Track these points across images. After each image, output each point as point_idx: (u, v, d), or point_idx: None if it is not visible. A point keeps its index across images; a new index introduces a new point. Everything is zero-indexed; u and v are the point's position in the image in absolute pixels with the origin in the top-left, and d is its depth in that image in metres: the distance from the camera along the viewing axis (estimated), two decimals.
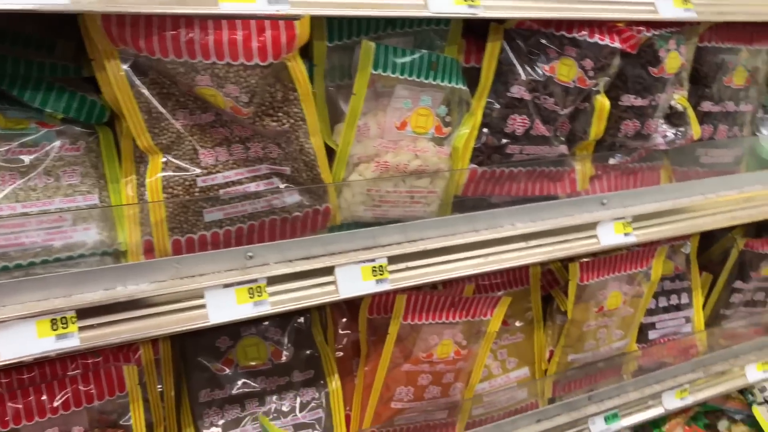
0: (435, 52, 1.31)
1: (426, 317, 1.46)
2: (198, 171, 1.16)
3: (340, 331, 1.56)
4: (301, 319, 1.52)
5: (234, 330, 1.45)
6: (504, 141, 1.40)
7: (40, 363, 1.22)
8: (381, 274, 1.30)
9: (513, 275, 1.73)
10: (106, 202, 1.16)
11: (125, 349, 1.30)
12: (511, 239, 1.45)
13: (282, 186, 1.24)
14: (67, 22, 1.23)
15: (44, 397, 1.17)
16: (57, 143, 1.13)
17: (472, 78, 1.39)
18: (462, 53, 1.40)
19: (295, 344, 1.49)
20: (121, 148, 1.18)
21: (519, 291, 1.74)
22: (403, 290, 1.41)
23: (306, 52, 1.31)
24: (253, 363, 1.44)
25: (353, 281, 1.28)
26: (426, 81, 1.28)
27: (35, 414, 1.15)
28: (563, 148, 1.49)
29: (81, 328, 1.07)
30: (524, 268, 1.75)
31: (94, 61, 1.12)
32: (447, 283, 1.59)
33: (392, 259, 1.32)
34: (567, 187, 1.56)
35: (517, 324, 1.74)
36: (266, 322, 1.48)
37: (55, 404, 1.17)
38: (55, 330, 1.05)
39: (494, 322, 1.55)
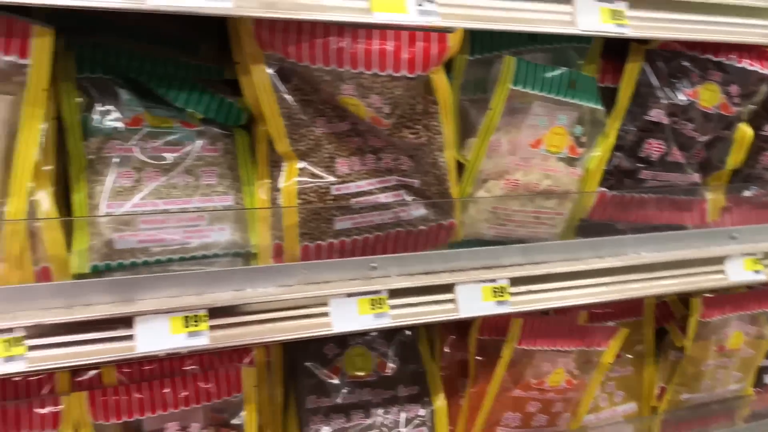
0: (573, 69, 1.27)
1: (541, 343, 1.41)
2: (332, 179, 1.16)
3: (448, 349, 1.53)
4: (408, 333, 1.50)
5: (341, 338, 1.44)
6: (637, 165, 1.34)
7: (163, 358, 1.24)
8: (502, 296, 1.26)
9: (627, 305, 1.65)
10: (240, 204, 1.17)
11: (241, 350, 1.31)
12: (636, 268, 1.38)
13: (409, 198, 1.23)
14: (211, 24, 1.27)
15: (166, 391, 1.19)
16: (198, 143, 1.15)
17: (606, 98, 1.34)
18: (599, 72, 1.35)
19: (401, 358, 1.47)
20: (257, 152, 1.19)
21: (631, 322, 1.66)
22: (519, 314, 1.37)
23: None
24: (359, 373, 1.43)
25: (473, 301, 1.25)
26: (564, 99, 1.24)
27: (159, 406, 1.17)
28: (696, 177, 1.42)
29: (212, 327, 1.08)
30: (639, 299, 1.67)
31: (239, 65, 1.13)
32: (559, 309, 1.54)
33: (514, 281, 1.28)
34: (696, 217, 1.48)
35: (628, 356, 1.67)
36: (374, 333, 1.47)
37: (176, 399, 1.19)
38: (187, 327, 1.07)
39: (609, 354, 1.48)
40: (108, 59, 1.11)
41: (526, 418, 1.45)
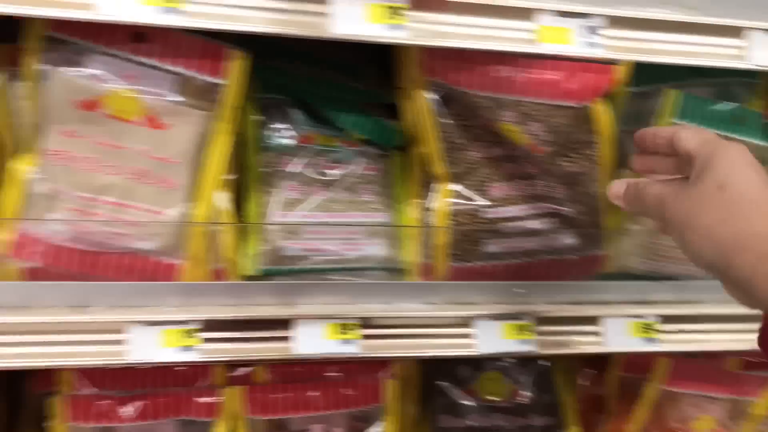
0: (740, 105, 1.22)
1: (688, 386, 1.35)
2: (484, 203, 1.18)
3: (585, 383, 1.50)
4: (545, 362, 1.48)
5: (477, 361, 1.46)
6: None
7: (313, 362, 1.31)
8: (650, 333, 1.23)
9: None
10: (394, 221, 1.23)
11: (381, 362, 1.36)
12: None
13: (559, 226, 1.23)
14: (372, 50, 1.34)
15: (313, 394, 1.25)
16: (359, 162, 1.22)
17: None
18: (765, 109, 1.29)
19: (537, 387, 1.45)
20: (412, 173, 1.24)
21: None
22: (669, 354, 1.32)
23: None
24: (493, 398, 1.43)
25: (620, 335, 1.23)
26: (729, 135, 1.19)
27: (305, 407, 1.24)
28: None
29: (363, 336, 1.14)
30: None
31: (401, 89, 1.19)
32: (709, 353, 1.46)
33: (664, 318, 1.24)
34: None
35: None
36: (509, 359, 1.47)
37: (322, 402, 1.25)
38: (340, 334, 1.13)
39: (762, 405, 1.39)
40: (284, 82, 1.21)
41: None
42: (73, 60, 0.98)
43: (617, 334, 1.22)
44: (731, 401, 1.37)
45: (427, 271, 1.22)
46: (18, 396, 1.29)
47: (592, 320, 1.22)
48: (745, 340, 1.27)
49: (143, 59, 1.01)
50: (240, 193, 1.20)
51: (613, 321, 1.23)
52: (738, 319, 1.27)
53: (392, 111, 1.26)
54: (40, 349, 1.04)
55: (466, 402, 1.42)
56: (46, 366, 1.05)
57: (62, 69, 0.98)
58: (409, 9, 0.99)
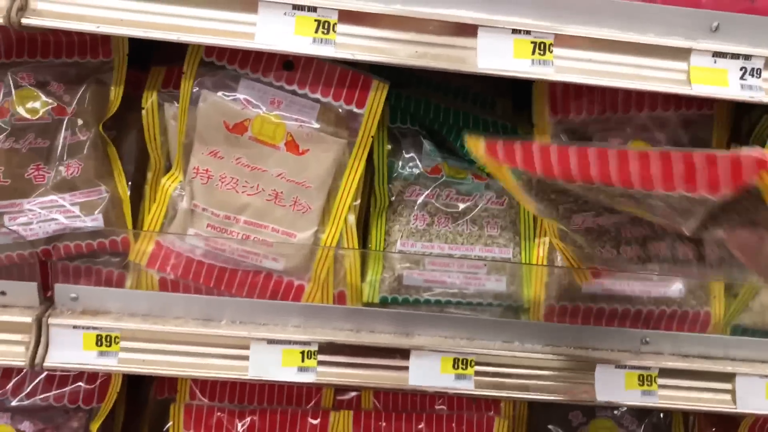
0: None
1: None
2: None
3: None
4: (662, 416, 1.40)
5: (588, 407, 1.40)
6: None
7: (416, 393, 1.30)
8: None
9: None
10: (518, 258, 1.20)
11: (491, 400, 1.33)
12: None
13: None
14: (508, 83, 1.33)
15: (422, 427, 1.24)
16: (486, 195, 1.21)
17: None
18: None
19: None
20: None
21: None
22: None
23: (743, 135, 1.23)
24: None
25: (755, 396, 1.14)
26: None
27: None
28: None
29: (477, 373, 1.11)
30: None
31: (536, 126, 1.17)
32: None
33: None
34: None
35: None
36: (623, 409, 1.40)
37: None
38: (456, 369, 1.11)
39: None
40: (417, 112, 1.21)
41: None
42: (226, 84, 1.03)
43: (753, 395, 1.14)
44: None
45: (550, 313, 1.18)
46: (139, 399, 1.35)
47: (726, 377, 1.15)
48: None
49: (290, 86, 1.04)
50: (367, 219, 1.22)
51: (749, 380, 1.15)
52: None
53: None
54: (168, 357, 1.08)
55: None
56: (172, 375, 1.09)
57: (215, 92, 1.02)
58: (555, 45, 0.97)
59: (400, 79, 1.26)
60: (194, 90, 1.04)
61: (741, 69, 1.00)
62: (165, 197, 1.09)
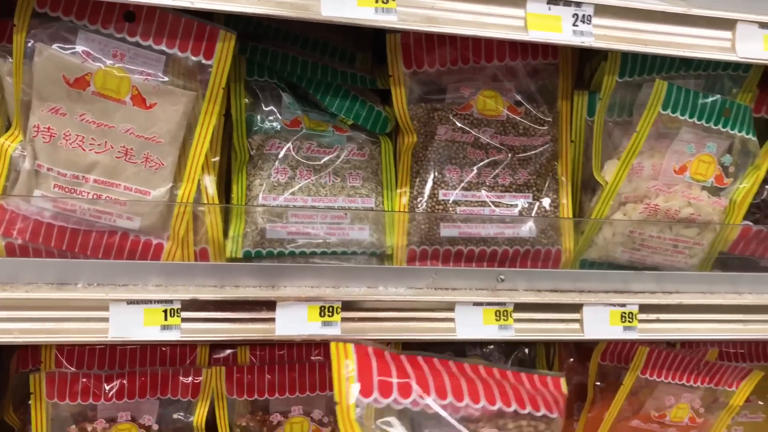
0: (727, 97, 1.23)
1: (666, 375, 1.37)
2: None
3: (565, 371, 1.51)
4: (526, 351, 1.50)
5: (460, 348, 1.47)
6: None
7: (291, 343, 1.32)
8: (630, 322, 1.24)
9: (762, 348, 1.57)
10: (380, 207, 1.23)
11: None
12: None
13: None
14: (367, 36, 1.34)
15: (294, 376, 1.26)
16: (347, 147, 1.23)
17: (759, 129, 1.29)
18: (753, 102, 1.30)
19: None
20: (400, 161, 1.25)
21: (766, 366, 1.57)
22: (645, 342, 1.34)
23: (585, 83, 1.31)
24: None
25: (600, 323, 1.24)
26: (714, 127, 1.21)
27: (286, 389, 1.25)
28: None
29: (343, 319, 1.14)
30: None
31: (392, 77, 1.20)
32: (687, 344, 1.48)
33: (643, 308, 1.25)
34: None
35: (759, 403, 1.57)
36: (491, 346, 1.48)
37: (303, 384, 1.26)
38: (322, 317, 1.13)
39: (739, 396, 1.41)
40: (274, 64, 1.21)
41: None
42: (63, 37, 0.98)
43: (597, 322, 1.23)
44: (709, 390, 1.39)
45: (413, 258, 1.22)
46: (2, 375, 1.29)
47: (574, 308, 1.24)
48: (724, 330, 1.29)
49: (132, 38, 1.00)
50: (227, 175, 1.21)
51: (595, 309, 1.24)
52: (717, 310, 1.28)
53: (385, 97, 1.26)
54: (22, 325, 1.04)
55: None
56: (27, 342, 1.05)
57: (51, 45, 0.97)
58: None
59: (258, 32, 1.25)
60: (28, 44, 0.98)
61: (573, 16, 1.06)
62: (5, 158, 1.03)
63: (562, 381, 1.19)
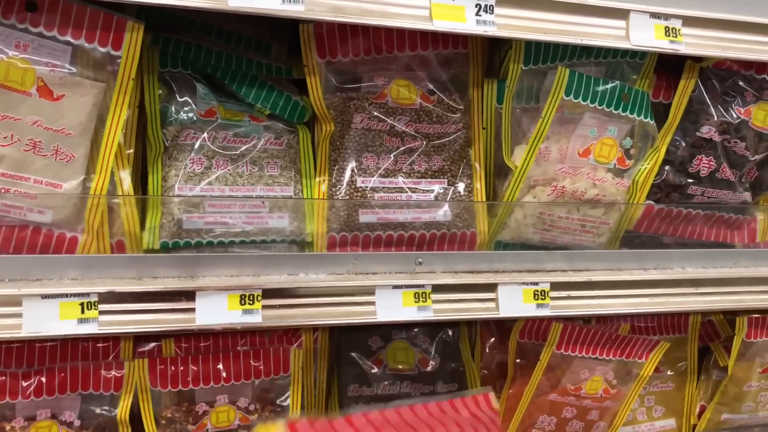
0: (626, 83, 1.30)
1: (580, 350, 1.44)
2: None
3: (487, 350, 1.57)
4: (450, 332, 1.54)
5: (386, 332, 1.50)
6: (686, 180, 1.36)
7: (216, 334, 1.33)
8: (542, 299, 1.30)
9: (671, 321, 1.66)
10: (300, 195, 1.25)
11: (290, 334, 1.39)
12: (680, 283, 1.39)
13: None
14: (283, 27, 1.36)
15: (219, 366, 1.27)
16: (264, 137, 1.24)
17: (658, 113, 1.37)
18: (651, 88, 1.38)
19: (442, 356, 1.52)
20: (318, 150, 1.27)
21: (675, 338, 1.66)
22: (559, 318, 1.40)
23: (495, 71, 1.36)
24: (400, 367, 1.49)
25: (514, 302, 1.29)
26: (615, 111, 1.27)
27: (211, 379, 1.26)
28: (747, 195, 1.43)
29: (264, 307, 1.16)
30: (683, 316, 1.67)
31: (306, 67, 1.22)
32: (602, 319, 1.56)
33: (555, 286, 1.31)
34: (745, 236, 1.48)
35: (669, 372, 1.67)
36: (416, 329, 1.52)
37: (228, 373, 1.27)
38: (243, 305, 1.15)
39: (648, 366, 1.49)
40: (188, 55, 1.21)
41: (562, 422, 1.48)
42: None
43: (512, 301, 1.29)
44: (621, 363, 1.47)
45: (332, 244, 1.25)
46: None
47: (489, 287, 1.28)
48: (632, 304, 1.37)
49: (36, 29, 0.99)
50: (143, 168, 1.20)
51: (509, 288, 1.29)
52: (625, 286, 1.36)
53: (302, 87, 1.28)
54: None
55: (374, 371, 1.47)
56: None
57: None
58: None
59: (171, 24, 1.25)
60: None
61: (476, 6, 1.10)
62: None
63: (492, 396, 1.23)
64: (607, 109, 1.27)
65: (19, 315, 1.04)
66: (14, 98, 1.00)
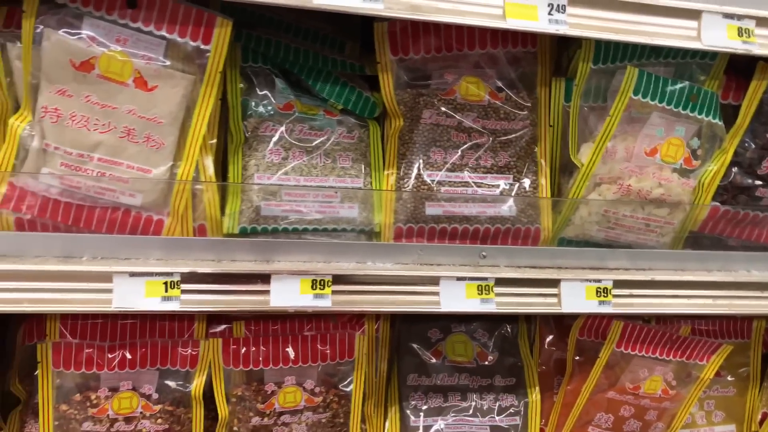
0: (695, 84, 1.31)
1: (639, 349, 1.44)
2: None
3: (546, 347, 1.59)
4: (509, 328, 1.57)
5: (445, 324, 1.54)
6: (755, 183, 1.36)
7: (284, 319, 1.39)
8: (605, 296, 1.31)
9: (734, 325, 1.64)
10: (369, 187, 1.30)
11: (354, 322, 1.44)
12: (745, 285, 1.39)
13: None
14: (356, 25, 1.41)
15: (288, 348, 1.33)
16: (337, 130, 1.30)
17: (726, 115, 1.37)
18: (721, 89, 1.37)
19: (501, 350, 1.54)
20: (388, 144, 1.32)
21: (737, 343, 1.64)
22: (620, 316, 1.41)
23: (563, 71, 1.38)
24: (459, 359, 1.52)
25: (576, 298, 1.31)
26: (683, 112, 1.28)
27: (280, 360, 1.32)
28: None
29: (334, 292, 1.21)
30: (746, 320, 1.65)
31: (379, 64, 1.27)
32: (662, 321, 1.56)
33: (617, 284, 1.32)
34: None
35: (730, 378, 1.65)
36: (475, 323, 1.55)
37: (296, 356, 1.33)
38: (314, 289, 1.20)
39: (709, 369, 1.48)
40: (267, 51, 1.27)
41: (619, 421, 1.48)
42: (69, 23, 1.04)
43: (574, 297, 1.31)
44: (681, 364, 1.47)
45: (399, 235, 1.29)
46: (5, 350, 1.35)
47: (552, 283, 1.31)
48: (694, 305, 1.37)
49: (134, 24, 1.07)
50: (224, 159, 1.27)
51: (571, 284, 1.31)
52: (688, 286, 1.36)
53: (373, 84, 1.33)
54: (30, 295, 1.10)
55: (433, 362, 1.51)
56: (35, 311, 1.11)
57: (58, 31, 1.04)
58: None
59: (252, 21, 1.31)
60: (36, 29, 1.05)
61: (549, 5, 1.13)
62: (14, 137, 1.10)
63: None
64: (675, 109, 1.28)
65: (110, 291, 1.12)
66: (113, 88, 1.08)
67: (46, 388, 1.23)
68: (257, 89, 1.25)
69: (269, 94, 1.25)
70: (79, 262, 1.13)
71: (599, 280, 1.31)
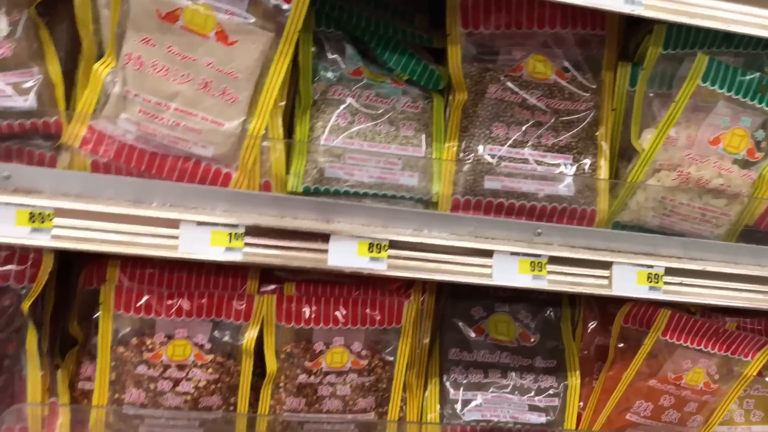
0: (765, 75, 1.30)
1: (685, 339, 1.44)
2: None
3: (588, 332, 1.59)
4: (552, 312, 1.58)
5: (489, 303, 1.56)
6: None
7: (333, 283, 1.41)
8: (656, 282, 1.32)
9: None
10: (430, 157, 1.32)
11: (401, 291, 1.46)
12: None
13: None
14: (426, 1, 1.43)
15: (339, 310, 1.36)
16: (403, 99, 1.32)
17: None
18: None
19: (543, 333, 1.56)
20: (451, 116, 1.34)
21: None
22: (669, 304, 1.41)
23: (629, 56, 1.38)
24: (501, 338, 1.53)
25: (627, 281, 1.32)
26: (750, 102, 1.28)
27: (330, 321, 1.35)
28: None
29: (389, 257, 1.23)
30: None
31: (449, 36, 1.28)
32: (707, 314, 1.55)
33: (669, 271, 1.33)
34: None
35: None
36: (519, 304, 1.57)
37: (344, 318, 1.35)
38: (371, 252, 1.23)
39: (753, 366, 1.48)
40: (340, 17, 1.30)
41: (658, 410, 1.49)
42: None
43: (625, 280, 1.32)
44: (725, 359, 1.47)
45: (457, 206, 1.31)
46: (67, 292, 1.40)
47: (604, 265, 1.32)
48: (743, 299, 1.37)
49: None
50: (293, 118, 1.30)
51: (623, 268, 1.32)
52: (740, 279, 1.36)
53: (438, 57, 1.35)
54: (100, 235, 1.14)
55: (475, 338, 1.53)
56: (104, 251, 1.15)
57: None
58: None
59: None
60: None
61: None
62: (98, 82, 1.14)
63: None
64: (743, 99, 1.28)
65: (176, 237, 1.16)
66: (194, 41, 1.12)
67: (106, 330, 1.28)
68: (328, 54, 1.28)
69: (339, 59, 1.28)
70: (148, 207, 1.16)
71: (651, 266, 1.32)
